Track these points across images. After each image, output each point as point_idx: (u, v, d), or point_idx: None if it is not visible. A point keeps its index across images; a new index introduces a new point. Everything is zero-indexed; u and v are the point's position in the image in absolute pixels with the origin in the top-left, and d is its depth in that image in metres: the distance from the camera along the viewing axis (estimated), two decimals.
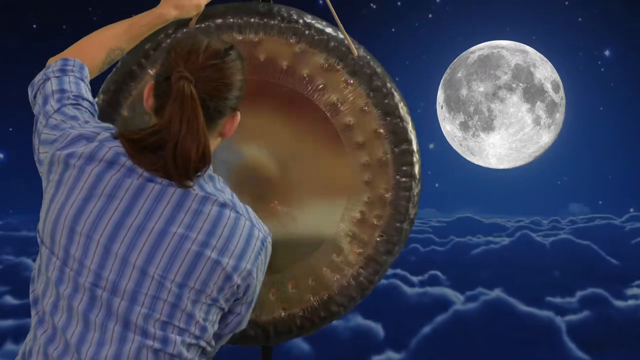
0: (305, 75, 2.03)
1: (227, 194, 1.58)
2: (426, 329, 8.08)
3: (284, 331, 2.10)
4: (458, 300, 8.81)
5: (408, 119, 2.08)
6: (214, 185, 1.57)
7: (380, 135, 2.06)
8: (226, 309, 1.59)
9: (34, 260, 1.60)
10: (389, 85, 2.06)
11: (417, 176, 2.09)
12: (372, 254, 2.09)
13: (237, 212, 1.55)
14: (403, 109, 2.07)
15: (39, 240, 1.55)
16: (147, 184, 1.49)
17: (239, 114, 1.61)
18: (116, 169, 1.50)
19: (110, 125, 1.62)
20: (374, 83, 2.05)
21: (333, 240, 2.08)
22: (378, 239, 2.09)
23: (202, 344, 1.55)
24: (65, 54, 1.78)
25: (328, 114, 2.04)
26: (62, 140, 1.54)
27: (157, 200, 1.49)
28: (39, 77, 1.71)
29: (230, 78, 1.55)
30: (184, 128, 1.47)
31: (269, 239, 1.62)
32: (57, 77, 1.68)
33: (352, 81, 2.04)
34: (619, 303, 8.79)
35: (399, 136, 2.06)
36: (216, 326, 1.59)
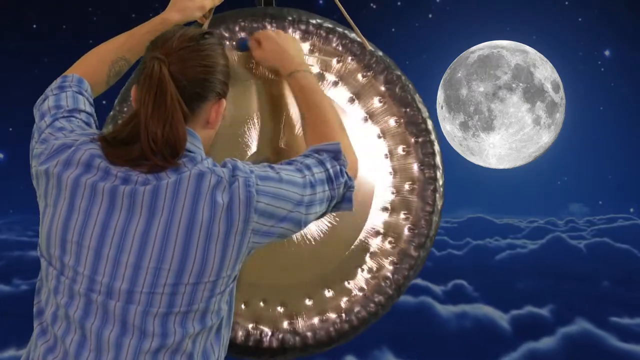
0: (319, 72, 2.05)
1: (206, 164, 1.51)
2: None
3: (323, 338, 2.06)
4: (503, 319, 7.46)
5: (424, 109, 2.10)
6: (193, 165, 1.51)
7: (399, 128, 2.08)
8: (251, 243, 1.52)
9: None
10: (402, 77, 2.08)
11: (440, 166, 2.08)
12: (405, 248, 2.08)
13: (218, 175, 1.49)
14: (419, 100, 2.09)
15: (38, 252, 1.56)
16: (119, 187, 1.48)
17: (224, 101, 1.59)
18: (93, 173, 1.49)
19: (96, 132, 1.61)
20: (388, 76, 2.07)
21: (363, 239, 2.07)
22: (408, 232, 2.08)
23: (208, 321, 1.52)
24: (66, 72, 1.79)
25: (345, 109, 2.07)
26: (47, 153, 1.54)
27: (133, 196, 1.47)
28: (40, 97, 1.73)
29: (209, 59, 1.54)
30: (150, 107, 1.45)
31: (232, 163, 1.52)
32: (55, 94, 1.70)
33: (367, 75, 2.07)
34: None
35: (418, 127, 2.08)
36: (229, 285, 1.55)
